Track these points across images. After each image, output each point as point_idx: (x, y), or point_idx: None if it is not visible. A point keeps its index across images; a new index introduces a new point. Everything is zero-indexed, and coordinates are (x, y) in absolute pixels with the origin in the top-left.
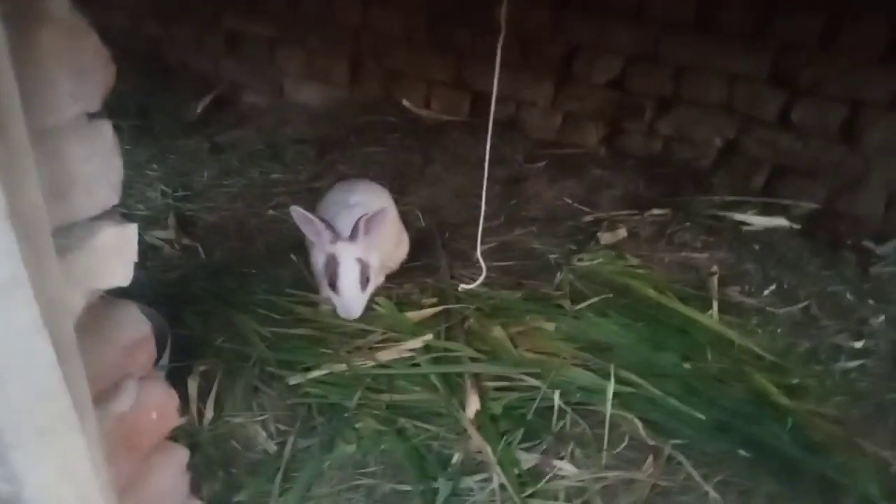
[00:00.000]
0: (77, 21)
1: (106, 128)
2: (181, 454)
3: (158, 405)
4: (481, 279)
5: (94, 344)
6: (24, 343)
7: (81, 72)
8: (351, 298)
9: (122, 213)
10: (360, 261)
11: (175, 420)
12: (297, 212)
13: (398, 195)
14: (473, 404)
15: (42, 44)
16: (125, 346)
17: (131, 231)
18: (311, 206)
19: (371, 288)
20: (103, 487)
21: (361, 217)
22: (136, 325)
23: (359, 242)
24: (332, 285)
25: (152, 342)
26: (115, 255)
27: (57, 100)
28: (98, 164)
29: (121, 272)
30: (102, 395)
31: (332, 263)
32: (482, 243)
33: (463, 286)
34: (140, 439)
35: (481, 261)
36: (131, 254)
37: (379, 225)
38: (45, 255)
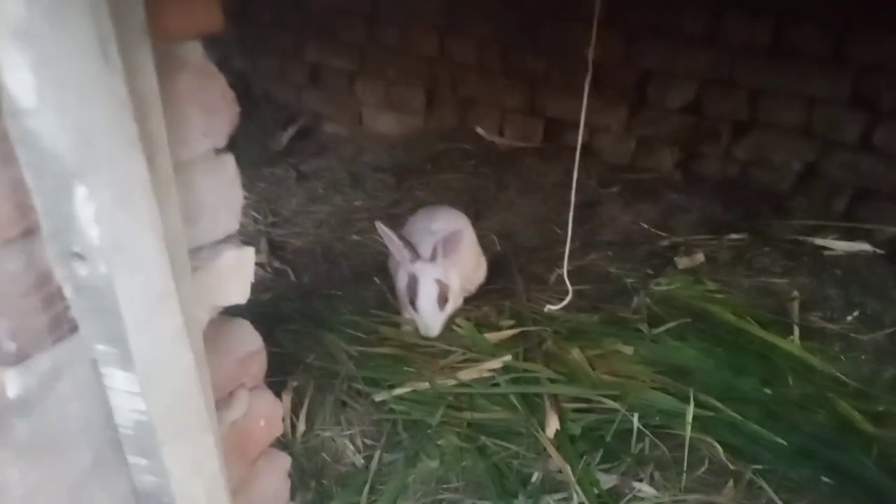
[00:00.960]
0: (208, 66)
1: (230, 161)
2: (284, 461)
3: (266, 414)
4: (567, 300)
5: (214, 355)
6: (170, 348)
7: (211, 111)
8: (429, 317)
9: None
10: (438, 281)
11: (279, 428)
12: (382, 229)
13: (474, 220)
14: (553, 424)
15: (180, 87)
16: (240, 358)
17: (249, 254)
18: (394, 232)
19: (450, 308)
20: (225, 486)
21: (438, 240)
22: (249, 338)
23: (438, 263)
24: (413, 304)
25: (264, 355)
26: (235, 276)
27: (190, 136)
28: (222, 194)
29: (239, 291)
30: (220, 403)
31: (413, 283)
32: (559, 267)
33: (549, 307)
34: (250, 445)
35: (568, 283)
36: (248, 274)
37: (456, 246)
38: (184, 274)
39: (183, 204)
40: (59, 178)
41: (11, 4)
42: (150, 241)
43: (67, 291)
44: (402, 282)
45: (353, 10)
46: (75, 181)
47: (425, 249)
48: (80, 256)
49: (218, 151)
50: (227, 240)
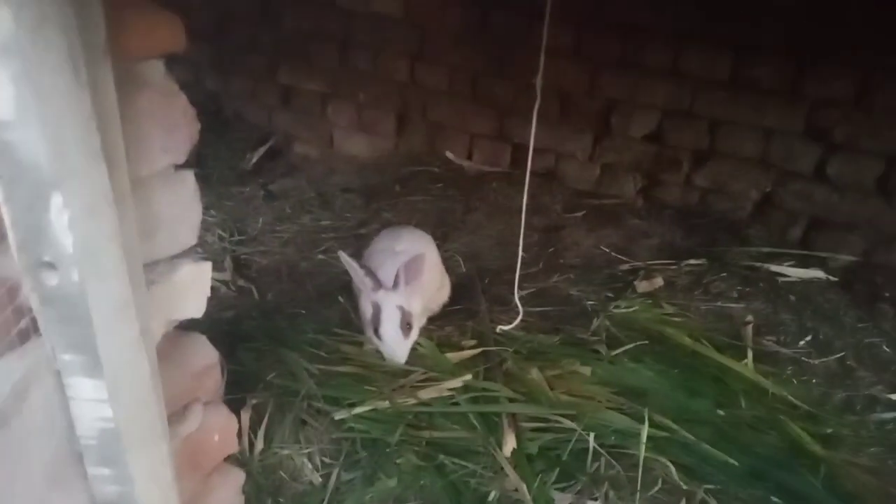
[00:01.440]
0: (170, 84)
1: (189, 177)
2: (238, 476)
3: (221, 429)
4: (518, 321)
5: (170, 368)
6: (131, 355)
7: (172, 128)
8: (394, 343)
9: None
10: (401, 308)
11: (234, 444)
12: (344, 258)
13: (441, 242)
14: (510, 443)
15: (141, 104)
16: (195, 372)
17: (206, 269)
18: (359, 252)
19: (414, 334)
20: (177, 496)
21: (400, 266)
22: (205, 353)
23: (400, 291)
24: (376, 331)
25: (219, 369)
26: (192, 290)
27: (150, 152)
28: (181, 209)
29: (195, 305)
30: (173, 416)
31: (376, 310)
32: (521, 289)
33: (501, 327)
34: (203, 459)
35: (518, 304)
36: (205, 289)
37: (418, 271)
38: (139, 285)
39: (141, 218)
40: (36, 188)
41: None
42: (113, 250)
43: (34, 303)
44: (364, 305)
45: (327, 35)
46: (52, 191)
47: (389, 271)
48: (51, 265)
49: (178, 168)
50: (184, 254)
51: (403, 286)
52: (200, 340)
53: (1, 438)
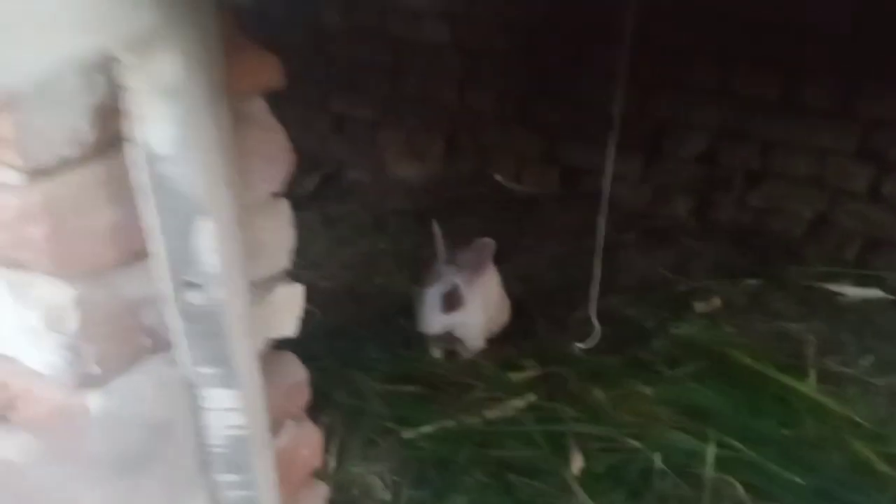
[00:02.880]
0: (270, 119)
1: (284, 205)
2: (323, 490)
3: (308, 443)
4: (596, 338)
5: (265, 385)
6: (253, 367)
7: (271, 160)
8: (429, 309)
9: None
10: (455, 286)
11: (320, 458)
12: (436, 228)
13: (495, 264)
14: (578, 462)
15: (247, 140)
16: (287, 389)
17: (298, 290)
18: (416, 275)
19: (458, 316)
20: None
21: (472, 246)
22: (295, 371)
23: (464, 272)
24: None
25: (307, 387)
26: (286, 310)
27: (253, 181)
28: (277, 234)
29: (289, 324)
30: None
31: (434, 278)
32: (577, 310)
33: (578, 345)
34: (293, 473)
35: (595, 322)
36: (298, 309)
37: (485, 258)
38: (251, 304)
39: (244, 242)
40: (186, 215)
41: (167, 66)
42: (241, 272)
43: (173, 320)
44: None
45: (377, 63)
46: (201, 217)
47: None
48: (194, 286)
49: (275, 196)
50: (279, 276)
51: (468, 269)
52: (291, 359)
53: (125, 441)
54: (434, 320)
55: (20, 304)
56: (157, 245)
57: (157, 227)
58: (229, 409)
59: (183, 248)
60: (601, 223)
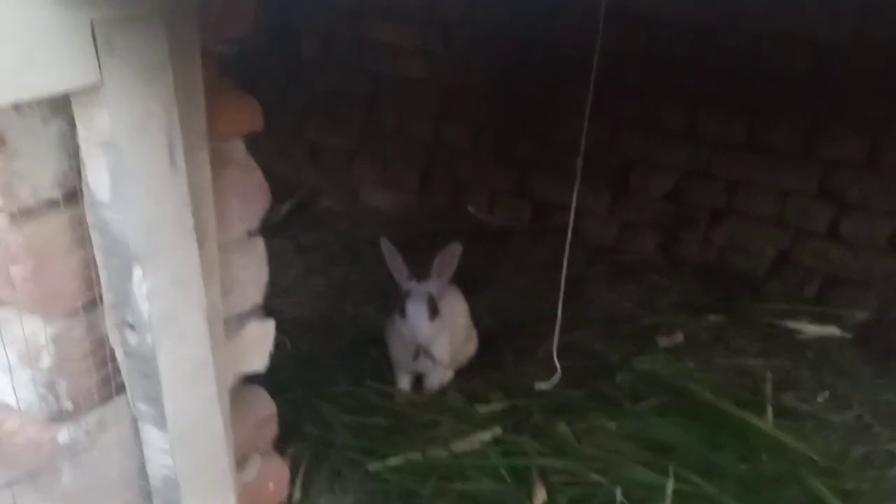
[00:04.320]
0: (249, 161)
1: (260, 242)
2: None
3: (275, 477)
4: (556, 379)
5: (234, 420)
6: (204, 412)
7: (249, 200)
8: (417, 320)
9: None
10: (430, 294)
11: (285, 492)
12: (385, 244)
13: (466, 296)
14: (540, 496)
15: (225, 180)
16: (255, 423)
17: (270, 326)
18: (387, 305)
19: (440, 325)
20: None
21: (437, 256)
22: (265, 404)
23: (432, 281)
24: (402, 313)
25: (276, 421)
26: (258, 345)
27: (230, 221)
28: (252, 271)
29: (260, 359)
30: (235, 465)
31: (405, 295)
32: (545, 343)
33: (539, 385)
34: None
35: (557, 363)
36: (268, 344)
37: (450, 264)
38: (220, 344)
39: (218, 280)
40: (123, 260)
41: (101, 121)
42: (195, 317)
43: (119, 356)
44: (394, 345)
45: (354, 95)
46: (135, 264)
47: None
48: (132, 327)
49: (250, 234)
50: (252, 312)
51: (436, 277)
52: (261, 393)
53: (79, 468)
54: (425, 328)
55: None
56: (104, 284)
57: (102, 268)
58: (161, 449)
59: (124, 290)
60: (565, 263)
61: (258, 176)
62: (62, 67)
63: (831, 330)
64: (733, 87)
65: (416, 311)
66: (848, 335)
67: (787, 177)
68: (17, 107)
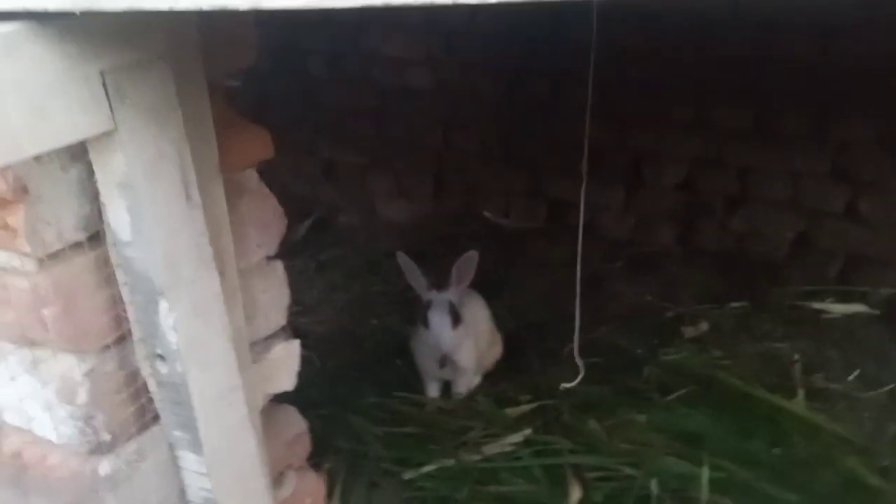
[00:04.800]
0: (263, 188)
1: (279, 266)
2: None
3: (311, 492)
4: (579, 377)
5: (266, 439)
6: (236, 435)
7: (265, 226)
8: (439, 329)
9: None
10: (451, 303)
11: None
12: (402, 258)
13: (487, 299)
14: (576, 494)
15: (241, 209)
16: (288, 441)
17: (295, 346)
18: (411, 316)
19: (463, 332)
20: None
21: (455, 264)
22: (296, 422)
23: (452, 290)
24: (425, 323)
25: (308, 437)
26: (285, 365)
27: (249, 248)
28: (273, 294)
29: (288, 379)
30: (272, 483)
31: (426, 306)
32: (570, 341)
33: (564, 385)
34: None
35: (579, 361)
36: (295, 364)
37: (469, 271)
38: (247, 367)
39: (241, 306)
40: (148, 295)
41: (117, 164)
42: (220, 343)
43: (151, 386)
44: (420, 352)
45: (363, 110)
46: (160, 297)
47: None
48: (161, 357)
49: (269, 259)
50: (276, 334)
51: (455, 285)
52: (291, 411)
53: (122, 498)
54: (447, 337)
55: (34, 379)
56: (131, 318)
57: (129, 303)
58: (198, 473)
59: (151, 323)
60: (579, 260)
61: (273, 202)
62: (77, 117)
63: (857, 308)
64: (739, 74)
65: (439, 320)
66: (875, 311)
67: (799, 160)
68: (37, 157)
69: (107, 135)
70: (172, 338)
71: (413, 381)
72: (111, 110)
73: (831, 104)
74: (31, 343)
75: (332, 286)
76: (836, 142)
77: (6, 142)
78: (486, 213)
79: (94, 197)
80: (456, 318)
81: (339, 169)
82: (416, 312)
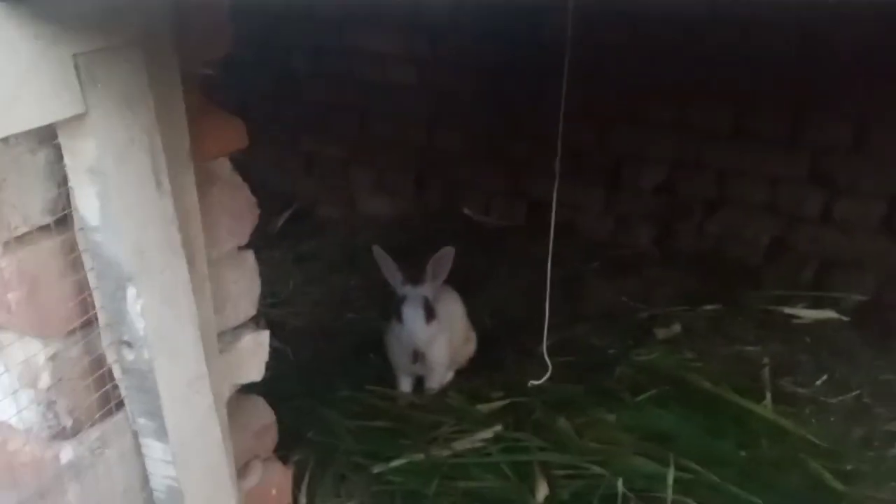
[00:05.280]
0: (236, 178)
1: (250, 256)
2: None
3: (277, 483)
4: (547, 375)
5: (233, 429)
6: (202, 424)
7: (237, 215)
8: (413, 324)
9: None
10: (425, 298)
11: (288, 497)
12: (377, 251)
13: (464, 296)
14: (543, 491)
15: (212, 198)
16: (255, 432)
17: (265, 336)
18: (387, 310)
19: (437, 327)
20: None
21: (430, 259)
22: (263, 413)
23: (426, 285)
24: (399, 317)
25: (275, 428)
26: (253, 356)
27: (220, 238)
28: (243, 285)
29: (256, 369)
30: (237, 473)
31: (401, 300)
32: (547, 339)
33: (532, 382)
34: None
35: (547, 359)
36: (264, 355)
37: (445, 267)
38: (214, 357)
39: (211, 296)
40: (116, 281)
41: (87, 149)
42: (188, 331)
43: (116, 373)
44: (392, 347)
45: (346, 105)
46: (128, 284)
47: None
48: (128, 344)
49: (240, 248)
50: (246, 324)
51: (430, 281)
52: (259, 402)
53: (85, 485)
54: (421, 331)
55: None
56: (98, 304)
57: (96, 289)
58: (163, 461)
59: (118, 309)
60: (549, 262)
61: (245, 192)
62: (48, 100)
63: (828, 314)
64: (718, 76)
65: (413, 314)
66: (845, 318)
67: (776, 164)
68: (4, 140)
69: (77, 118)
70: (140, 325)
71: (386, 375)
72: (83, 94)
73: (809, 107)
74: None
75: (309, 279)
76: (813, 146)
77: None
78: (467, 211)
79: (61, 181)
80: (430, 314)
81: (320, 163)
82: (393, 306)
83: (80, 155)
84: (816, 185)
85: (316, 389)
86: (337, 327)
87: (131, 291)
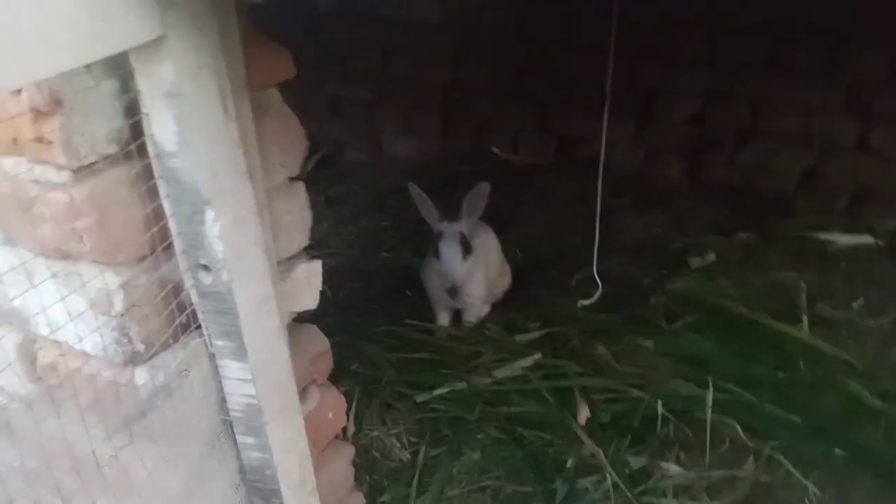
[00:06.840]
0: (285, 109)
1: (301, 187)
2: (349, 450)
3: (333, 407)
4: (597, 295)
5: (292, 354)
6: (272, 343)
7: (288, 146)
8: (450, 260)
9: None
10: (462, 234)
11: (343, 420)
12: (413, 189)
13: (497, 233)
14: (584, 413)
15: (265, 128)
16: (311, 358)
17: (317, 266)
18: (418, 248)
19: (473, 262)
20: (311, 462)
21: (466, 196)
22: (318, 340)
23: (463, 221)
24: (436, 254)
25: (330, 355)
26: (308, 285)
27: (272, 168)
28: (296, 215)
29: (311, 298)
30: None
31: (438, 237)
32: (578, 272)
33: (581, 302)
34: (320, 435)
35: (598, 279)
36: (317, 283)
37: (480, 203)
38: (276, 281)
39: (266, 225)
40: (194, 205)
41: (165, 72)
42: (257, 254)
43: (193, 297)
44: (431, 282)
45: (369, 44)
46: (206, 207)
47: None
48: (206, 268)
49: (292, 180)
50: (299, 254)
51: (466, 217)
52: (314, 330)
53: (166, 409)
54: (458, 267)
55: (69, 292)
56: (174, 230)
57: (172, 215)
58: (242, 380)
59: (194, 234)
60: (599, 189)
61: (295, 123)
62: (132, 22)
63: (863, 239)
64: (753, 6)
65: (450, 250)
66: (881, 243)
67: (811, 93)
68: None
69: (156, 42)
70: (219, 247)
71: (423, 311)
72: (161, 17)
73: (845, 37)
74: (67, 256)
75: (341, 221)
76: (849, 75)
77: (73, 45)
78: (495, 149)
79: (125, 111)
80: (466, 249)
81: (345, 105)
82: (425, 245)
83: (157, 79)
84: (852, 114)
85: (356, 326)
86: (371, 267)
87: (210, 215)
